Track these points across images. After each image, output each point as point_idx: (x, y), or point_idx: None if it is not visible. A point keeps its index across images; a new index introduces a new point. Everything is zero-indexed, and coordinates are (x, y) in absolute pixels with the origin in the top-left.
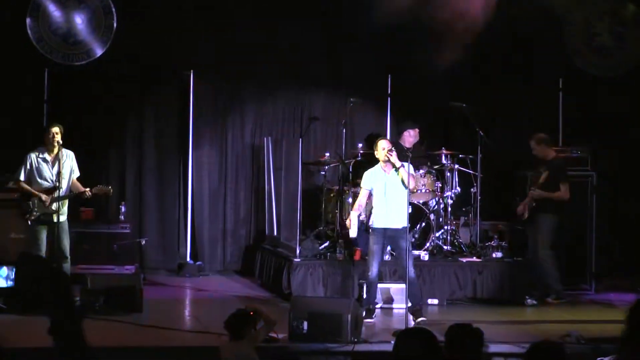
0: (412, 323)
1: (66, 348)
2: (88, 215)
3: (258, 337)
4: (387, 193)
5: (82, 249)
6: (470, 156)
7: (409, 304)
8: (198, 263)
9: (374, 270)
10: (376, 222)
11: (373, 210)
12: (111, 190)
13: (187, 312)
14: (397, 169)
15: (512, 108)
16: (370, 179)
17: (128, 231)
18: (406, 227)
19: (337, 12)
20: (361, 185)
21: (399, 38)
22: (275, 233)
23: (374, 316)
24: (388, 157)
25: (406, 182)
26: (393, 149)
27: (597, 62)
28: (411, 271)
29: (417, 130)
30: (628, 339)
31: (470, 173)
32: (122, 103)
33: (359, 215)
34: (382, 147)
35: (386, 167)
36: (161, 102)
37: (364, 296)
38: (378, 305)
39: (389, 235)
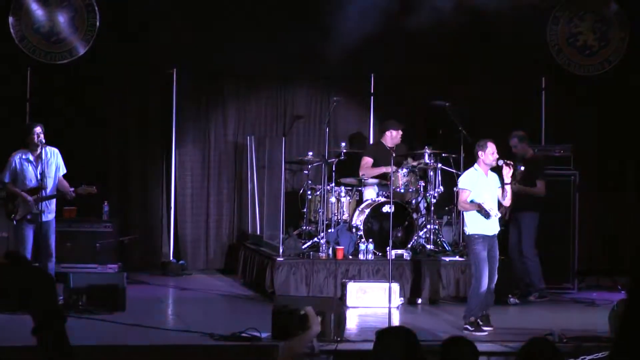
0: (460, 330)
1: (50, 348)
2: (71, 214)
3: (301, 342)
4: (488, 196)
5: (64, 248)
6: (453, 155)
7: (483, 310)
8: (181, 262)
9: (485, 280)
10: (479, 228)
11: (471, 216)
12: (95, 190)
13: (169, 311)
14: (503, 184)
15: (495, 107)
16: (472, 180)
17: (111, 230)
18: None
19: (319, 10)
20: (462, 186)
21: (381, 37)
22: (258, 232)
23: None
24: (497, 164)
25: (507, 199)
26: (514, 164)
27: (580, 61)
28: (495, 280)
29: (400, 131)
30: (619, 343)
31: (453, 172)
32: (105, 101)
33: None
34: (492, 152)
35: (485, 170)
36: (144, 100)
37: (470, 309)
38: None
39: (490, 243)
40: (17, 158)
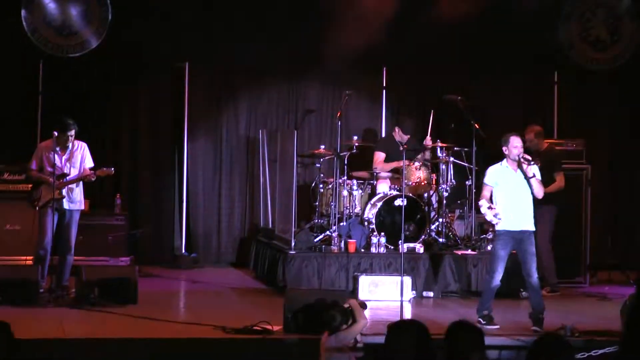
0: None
1: None
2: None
3: (348, 335)
4: (515, 193)
5: (77, 240)
6: (465, 149)
7: (531, 311)
8: (193, 255)
9: (497, 276)
10: (504, 224)
11: (499, 211)
12: (113, 171)
13: (181, 304)
14: (528, 179)
15: (507, 101)
16: (495, 175)
17: (123, 223)
18: (533, 231)
19: (332, 3)
20: (484, 181)
21: (393, 30)
22: (270, 225)
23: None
24: (520, 161)
25: (536, 191)
26: (529, 158)
27: (592, 55)
28: (536, 277)
29: (407, 136)
30: (627, 340)
31: (465, 166)
32: (117, 95)
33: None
34: (515, 146)
35: (514, 165)
36: (156, 94)
37: (482, 303)
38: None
39: (517, 239)
40: (43, 147)
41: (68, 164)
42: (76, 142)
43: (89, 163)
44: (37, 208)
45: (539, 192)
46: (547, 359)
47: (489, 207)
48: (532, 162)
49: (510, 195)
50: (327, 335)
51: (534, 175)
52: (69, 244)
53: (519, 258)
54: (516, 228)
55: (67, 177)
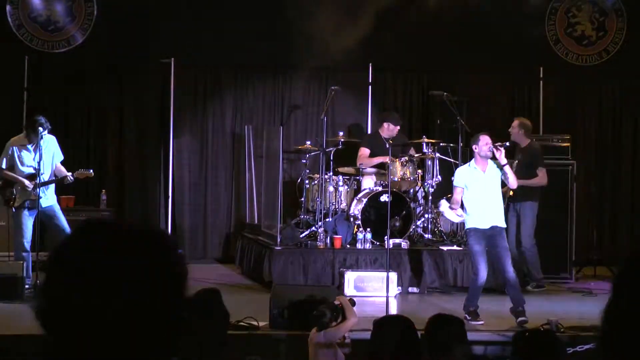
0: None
1: None
2: (69, 203)
3: (338, 332)
4: (485, 192)
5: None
6: (451, 144)
7: (511, 306)
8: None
9: (482, 273)
10: (474, 222)
11: (468, 210)
12: (92, 174)
13: None
14: (501, 167)
15: (493, 97)
16: (464, 176)
17: None
18: (504, 227)
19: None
20: (455, 184)
21: (379, 26)
22: (255, 221)
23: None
24: (492, 154)
25: (510, 181)
26: (501, 145)
27: (578, 51)
28: (512, 272)
29: (397, 127)
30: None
31: (451, 161)
32: (103, 91)
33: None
34: (486, 143)
35: (483, 165)
36: (141, 89)
37: (469, 299)
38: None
39: (488, 235)
40: (14, 145)
41: (42, 162)
42: (45, 136)
43: (59, 157)
44: (14, 209)
45: (514, 182)
46: (538, 355)
47: (450, 208)
48: (506, 145)
49: (480, 195)
50: (316, 331)
51: (507, 163)
52: (65, 229)
53: (492, 255)
54: (485, 225)
55: (41, 177)
